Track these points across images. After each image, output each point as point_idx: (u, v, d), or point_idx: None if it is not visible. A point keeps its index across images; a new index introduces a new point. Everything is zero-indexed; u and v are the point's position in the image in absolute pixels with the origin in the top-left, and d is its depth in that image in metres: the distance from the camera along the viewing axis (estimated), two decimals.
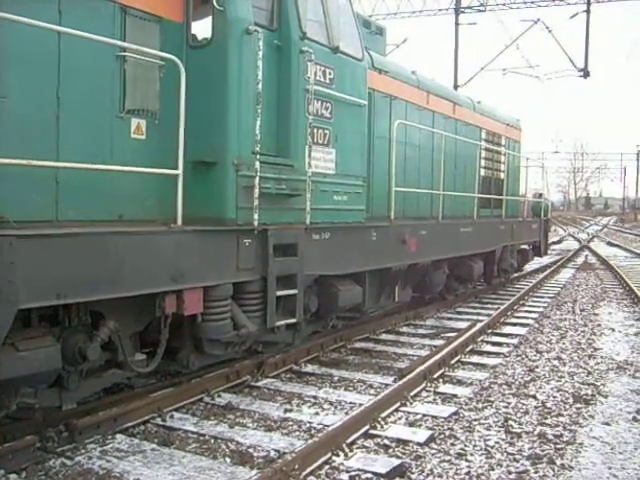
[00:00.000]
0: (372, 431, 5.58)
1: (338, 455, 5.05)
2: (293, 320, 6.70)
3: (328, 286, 7.51)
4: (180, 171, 5.45)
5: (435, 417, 6.04)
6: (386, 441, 5.42)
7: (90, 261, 4.71)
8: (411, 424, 5.88)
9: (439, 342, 9.14)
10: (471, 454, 5.24)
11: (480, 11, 30.10)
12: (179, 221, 5.45)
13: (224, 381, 6.74)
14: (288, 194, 6.64)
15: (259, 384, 6.93)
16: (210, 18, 6.11)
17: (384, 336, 9.64)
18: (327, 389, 6.91)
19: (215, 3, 5.99)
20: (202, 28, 6.21)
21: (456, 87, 27.97)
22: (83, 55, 5.27)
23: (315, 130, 6.98)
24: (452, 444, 5.44)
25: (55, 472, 4.76)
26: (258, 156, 6.07)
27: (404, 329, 10.23)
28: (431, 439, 5.49)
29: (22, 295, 4.28)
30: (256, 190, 6.07)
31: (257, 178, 6.06)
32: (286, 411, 6.13)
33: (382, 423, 5.75)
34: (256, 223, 6.09)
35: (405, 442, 5.39)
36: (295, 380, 7.24)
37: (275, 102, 6.63)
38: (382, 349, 8.81)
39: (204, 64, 6.01)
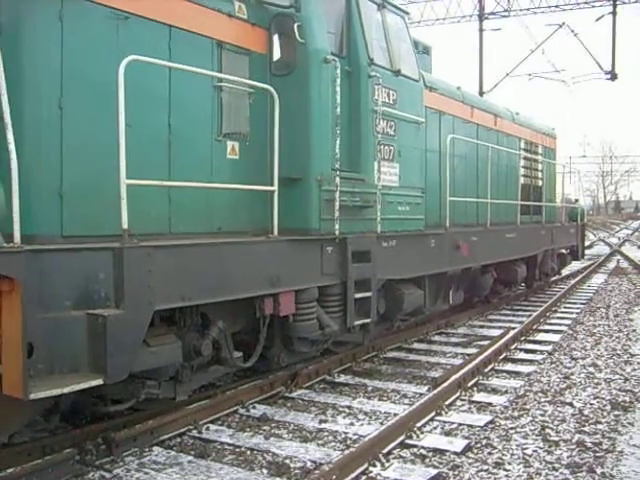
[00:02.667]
0: (408, 441, 5.57)
1: (375, 465, 5.04)
2: (368, 320, 7.35)
3: (394, 290, 8.14)
4: (276, 187, 6.14)
5: (471, 426, 6.02)
6: (422, 451, 5.41)
7: (207, 268, 5.42)
8: (447, 433, 5.86)
9: (472, 350, 9.16)
10: (509, 463, 5.19)
11: (504, 17, 30.29)
12: (275, 232, 6.14)
13: (258, 392, 6.81)
14: (361, 206, 7.31)
15: (293, 395, 6.98)
16: (292, 49, 6.80)
17: (416, 345, 9.71)
18: (361, 399, 6.92)
19: (297, 37, 6.67)
20: (284, 58, 6.89)
21: (481, 93, 28.33)
22: (188, 86, 5.99)
23: (382, 147, 7.64)
24: (489, 453, 5.41)
25: None
26: (338, 172, 6.75)
27: (436, 338, 10.29)
28: (468, 448, 5.47)
29: (157, 298, 4.99)
30: (336, 203, 6.75)
31: (337, 192, 6.74)
32: (321, 422, 6.17)
33: (418, 433, 5.74)
34: (337, 233, 6.77)
35: (442, 452, 5.37)
36: (329, 390, 7.28)
37: (347, 122, 7.30)
38: (415, 358, 8.85)
39: (287, 91, 6.65)
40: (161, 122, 5.76)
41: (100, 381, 4.59)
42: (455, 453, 5.35)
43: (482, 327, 11.29)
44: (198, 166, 6.10)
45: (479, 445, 5.59)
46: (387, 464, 5.10)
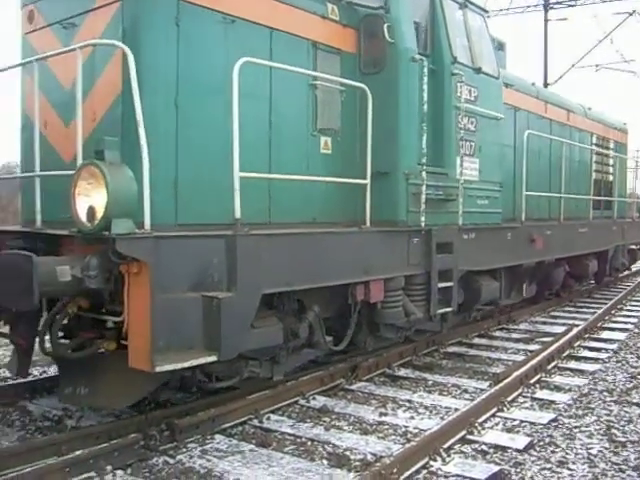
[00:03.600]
0: (469, 436, 5.54)
1: (436, 460, 5.03)
2: (450, 309, 7.66)
3: (472, 281, 8.40)
4: (368, 181, 6.48)
5: (533, 423, 5.93)
6: (484, 447, 5.37)
7: (308, 256, 5.80)
8: (509, 430, 5.80)
9: (534, 347, 9.04)
10: (573, 462, 5.10)
11: (571, 6, 29.73)
12: (367, 223, 6.48)
13: (318, 384, 6.84)
14: (444, 199, 7.60)
15: (353, 387, 7.00)
16: (381, 49, 7.11)
17: (477, 340, 9.60)
18: (421, 393, 6.91)
19: (387, 37, 6.98)
20: (373, 57, 7.21)
21: (546, 85, 27.95)
22: (286, 85, 6.36)
23: (464, 142, 7.91)
24: (552, 452, 5.31)
25: (158, 469, 4.95)
26: (424, 167, 7.05)
27: (497, 333, 10.18)
28: (530, 446, 5.38)
29: (264, 283, 5.39)
30: (423, 196, 7.06)
31: (424, 186, 7.04)
32: (381, 414, 6.16)
33: (479, 428, 5.70)
34: (423, 224, 7.08)
35: (503, 448, 5.32)
36: (389, 384, 7.27)
37: (431, 119, 7.58)
38: (475, 353, 8.80)
39: (376, 89, 6.92)
40: (263, 119, 6.14)
41: (215, 358, 5.01)
42: (517, 450, 5.29)
43: (544, 324, 11.12)
44: (295, 160, 6.47)
45: (542, 443, 5.50)
46: (448, 459, 5.08)
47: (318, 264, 5.93)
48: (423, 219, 7.08)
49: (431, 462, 5.01)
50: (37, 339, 5.78)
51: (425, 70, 7.08)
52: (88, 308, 5.20)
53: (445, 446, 5.25)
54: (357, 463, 5.06)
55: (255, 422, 5.90)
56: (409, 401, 6.62)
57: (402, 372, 7.72)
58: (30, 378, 7.01)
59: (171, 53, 5.47)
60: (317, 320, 6.37)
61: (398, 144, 7.00)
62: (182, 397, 6.40)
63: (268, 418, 6.03)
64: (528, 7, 30.43)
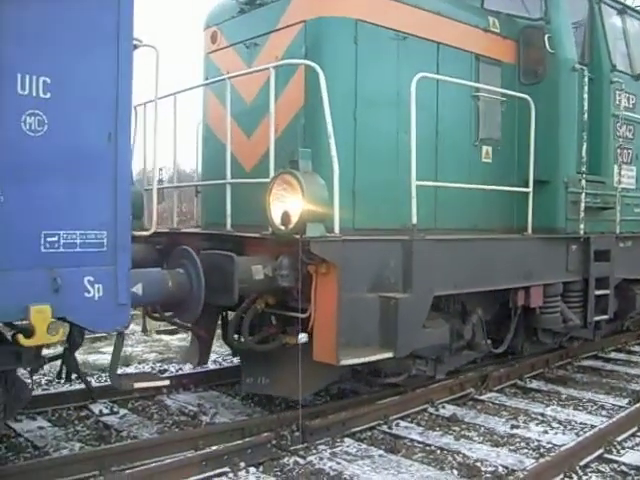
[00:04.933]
0: (607, 455, 5.27)
1: (571, 477, 4.86)
2: (606, 316, 7.68)
3: (626, 290, 8.35)
4: (531, 189, 6.66)
5: None
6: (623, 467, 5.08)
7: (474, 260, 6.06)
8: None
9: None
10: None
11: None
12: (529, 230, 6.66)
13: (448, 393, 6.78)
14: (602, 207, 7.65)
15: (483, 397, 6.88)
16: (541, 59, 7.25)
17: (614, 355, 9.15)
18: (555, 407, 6.66)
19: (548, 47, 7.13)
20: (533, 68, 7.36)
21: None
22: (452, 96, 6.65)
23: (622, 150, 7.91)
24: None
25: (289, 469, 5.00)
26: (583, 175, 7.14)
27: (636, 348, 9.66)
28: None
29: (436, 285, 5.70)
30: (582, 204, 7.15)
31: (583, 194, 7.14)
32: (513, 427, 6.02)
33: (618, 448, 5.43)
34: (582, 232, 7.17)
35: None
36: (520, 396, 7.08)
37: (590, 127, 7.64)
38: (612, 368, 8.38)
39: (536, 98, 7.06)
40: (431, 129, 6.44)
41: (391, 354, 5.37)
42: None
43: None
44: (459, 168, 6.73)
45: None
46: (584, 477, 4.89)
47: (483, 269, 6.19)
48: (582, 227, 7.17)
49: (566, 479, 4.86)
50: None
51: (585, 79, 7.18)
52: (273, 305, 5.66)
53: (581, 463, 5.07)
54: (488, 475, 4.95)
55: (384, 427, 5.91)
56: (542, 414, 6.42)
57: (534, 384, 7.50)
58: (167, 374, 7.61)
59: (350, 69, 5.88)
60: (479, 323, 6.60)
61: (558, 153, 7.12)
62: (313, 399, 6.54)
63: (397, 424, 6.02)
64: None
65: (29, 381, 5.10)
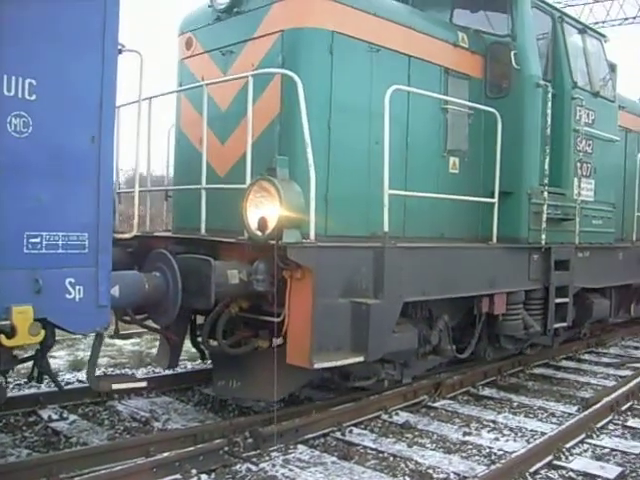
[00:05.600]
0: (556, 462, 5.35)
1: None
2: (565, 324, 7.97)
3: (584, 298, 8.67)
4: (496, 199, 6.88)
5: (625, 453, 5.65)
6: (572, 474, 5.17)
7: (442, 268, 6.25)
8: (598, 458, 5.54)
9: (625, 372, 8.72)
10: None
11: None
12: (494, 239, 6.89)
13: (401, 400, 6.81)
14: (562, 218, 7.92)
15: (436, 405, 6.92)
16: (507, 74, 7.50)
17: (564, 363, 9.30)
18: (506, 414, 6.74)
19: (514, 63, 7.38)
20: (499, 82, 7.61)
21: None
22: (421, 109, 6.84)
23: (581, 164, 8.21)
24: None
25: (241, 476, 4.97)
26: (546, 187, 7.40)
27: (586, 357, 9.82)
28: (622, 476, 5.14)
29: (405, 292, 5.87)
30: (544, 215, 7.41)
31: (545, 205, 7.40)
32: (465, 434, 6.07)
33: (567, 454, 5.51)
34: (543, 242, 7.43)
35: (593, 477, 5.12)
36: (473, 403, 7.14)
37: (550, 141, 7.91)
38: (563, 376, 8.51)
39: (500, 112, 7.24)
40: (401, 140, 6.61)
41: (362, 358, 5.53)
42: None
43: (637, 348, 10.66)
44: (427, 178, 6.92)
45: (635, 474, 5.21)
46: None
47: (450, 276, 6.38)
48: (543, 237, 7.43)
49: None
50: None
51: (549, 95, 7.46)
52: (246, 309, 5.76)
53: (531, 470, 5.13)
54: None
55: (338, 434, 5.91)
56: (493, 422, 6.49)
57: (487, 392, 7.58)
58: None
59: (325, 79, 6.03)
60: (446, 328, 6.79)
61: (522, 165, 7.38)
62: (266, 406, 6.56)
63: (351, 431, 6.03)
64: (627, 19, 29.19)
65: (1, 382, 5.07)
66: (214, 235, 5.95)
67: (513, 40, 7.50)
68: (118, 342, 9.82)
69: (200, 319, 6.77)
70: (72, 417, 6.26)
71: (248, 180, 5.49)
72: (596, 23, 27.88)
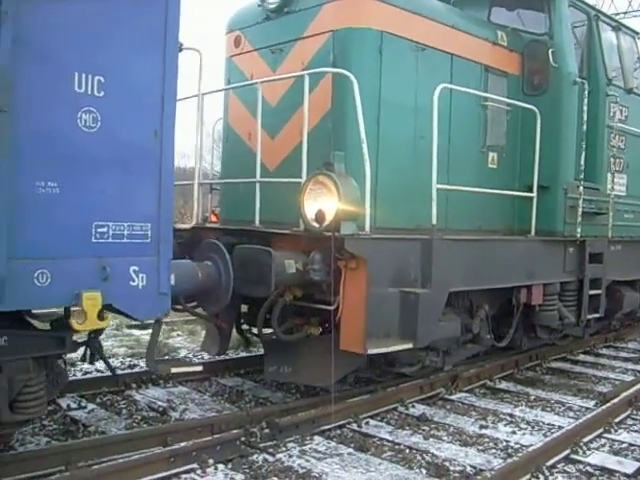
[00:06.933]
0: (574, 456, 5.35)
1: (538, 478, 4.92)
2: (597, 315, 8.19)
3: (615, 291, 8.88)
4: (535, 194, 7.12)
5: None
6: (589, 468, 5.17)
7: (485, 259, 6.51)
8: (616, 453, 5.53)
9: None
10: None
11: None
12: (532, 232, 7.13)
13: (418, 392, 6.83)
14: (596, 212, 8.15)
15: (453, 397, 6.95)
16: (545, 72, 7.72)
17: (582, 357, 9.28)
18: (523, 408, 6.75)
19: (551, 61, 7.59)
20: (536, 80, 7.83)
21: None
22: (463, 105, 7.07)
23: (614, 159, 8.43)
24: None
25: (258, 466, 5.00)
26: (581, 182, 7.63)
27: (604, 351, 9.78)
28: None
29: (451, 282, 6.13)
30: (579, 209, 7.65)
31: (580, 199, 7.63)
32: (481, 427, 6.09)
33: (584, 448, 5.50)
34: (578, 235, 7.66)
35: (610, 471, 5.11)
36: (489, 396, 7.15)
37: (585, 137, 8.13)
38: (580, 370, 8.48)
39: (538, 109, 7.49)
40: (445, 135, 6.85)
41: (411, 345, 5.78)
42: (625, 475, 5.05)
43: None
44: (467, 173, 7.16)
45: None
46: (550, 477, 4.96)
47: (492, 267, 6.64)
48: (579, 230, 7.67)
49: (533, 479, 4.94)
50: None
51: (585, 92, 7.68)
52: (300, 297, 6.02)
53: (548, 464, 5.12)
54: (456, 475, 5.00)
55: (354, 426, 5.92)
56: (510, 415, 6.50)
57: (503, 385, 7.58)
58: (137, 370, 7.55)
59: (375, 77, 6.27)
60: (485, 318, 7.04)
61: (559, 160, 7.60)
62: (283, 397, 6.71)
63: (367, 423, 6.04)
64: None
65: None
66: (267, 227, 6.19)
67: (550, 38, 7.71)
68: (135, 332, 9.85)
69: (244, 308, 7.07)
70: (91, 406, 6.30)
71: (304, 174, 5.74)
72: (617, 14, 27.72)
